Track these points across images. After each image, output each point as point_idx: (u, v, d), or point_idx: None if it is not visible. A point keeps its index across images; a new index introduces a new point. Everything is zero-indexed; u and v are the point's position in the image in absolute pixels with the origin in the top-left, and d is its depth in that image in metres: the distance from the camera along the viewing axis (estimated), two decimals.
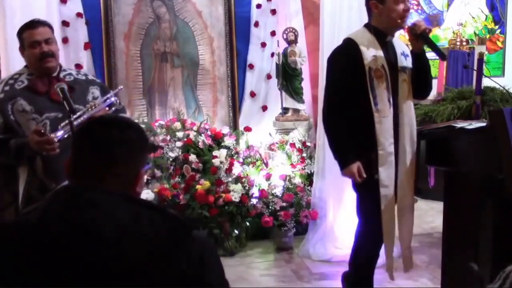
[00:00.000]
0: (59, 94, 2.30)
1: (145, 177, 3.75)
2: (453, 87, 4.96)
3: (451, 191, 2.67)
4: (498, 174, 2.34)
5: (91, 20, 4.17)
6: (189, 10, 4.42)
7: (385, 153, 2.58)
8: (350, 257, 2.82)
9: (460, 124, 2.58)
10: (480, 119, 3.57)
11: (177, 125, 4.21)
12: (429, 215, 4.59)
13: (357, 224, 2.76)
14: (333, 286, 3.16)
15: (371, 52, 2.57)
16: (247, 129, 4.37)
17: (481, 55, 4.20)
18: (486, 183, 2.48)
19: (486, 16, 6.01)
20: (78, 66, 4.00)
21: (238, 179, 3.94)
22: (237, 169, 4.00)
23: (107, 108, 2.49)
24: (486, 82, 4.25)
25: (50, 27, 2.51)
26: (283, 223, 3.83)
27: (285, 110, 4.46)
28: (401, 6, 2.53)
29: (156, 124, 4.23)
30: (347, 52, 2.62)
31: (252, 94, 4.57)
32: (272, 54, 4.54)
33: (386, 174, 2.59)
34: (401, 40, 2.79)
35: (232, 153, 4.11)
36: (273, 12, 4.57)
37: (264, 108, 4.60)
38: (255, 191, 3.96)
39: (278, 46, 4.48)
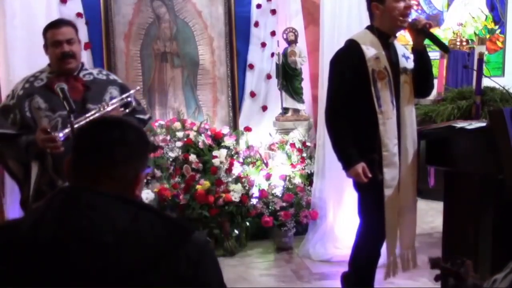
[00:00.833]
0: (59, 94, 2.31)
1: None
2: (453, 87, 4.96)
3: (451, 191, 2.67)
4: (498, 174, 2.35)
5: (91, 20, 4.16)
6: (189, 10, 4.42)
7: (389, 154, 2.58)
8: (350, 257, 2.82)
9: (460, 124, 2.59)
10: (480, 119, 3.57)
11: (177, 125, 4.21)
12: (429, 215, 4.59)
13: (358, 224, 2.76)
14: (333, 286, 3.16)
15: (374, 54, 2.56)
16: (247, 129, 4.37)
17: (481, 55, 4.19)
18: (486, 183, 2.48)
19: (486, 16, 6.00)
20: None
21: (238, 179, 3.94)
22: (237, 169, 4.01)
23: (121, 109, 2.50)
24: (486, 82, 4.25)
25: (74, 27, 2.54)
26: (283, 223, 3.83)
27: (285, 110, 4.46)
28: (401, 4, 2.53)
29: (156, 124, 4.23)
30: (349, 53, 2.61)
31: (252, 94, 4.57)
32: (272, 54, 4.54)
33: (390, 174, 2.60)
34: (399, 43, 2.78)
35: (232, 153, 4.11)
36: (273, 12, 4.57)
37: (264, 108, 4.60)
38: (255, 191, 3.96)
39: (278, 46, 4.47)
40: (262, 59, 4.58)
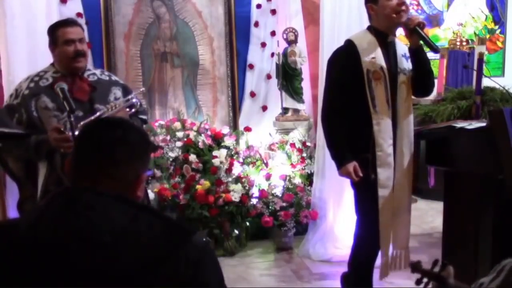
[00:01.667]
0: (59, 94, 2.31)
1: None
2: (453, 87, 4.95)
3: (451, 191, 2.68)
4: (498, 174, 2.35)
5: (91, 20, 4.16)
6: (189, 10, 4.42)
7: (383, 155, 2.59)
8: (349, 257, 2.82)
9: (460, 124, 2.59)
10: (480, 119, 3.57)
11: (177, 125, 4.21)
12: (429, 215, 4.58)
13: (356, 224, 2.77)
14: (333, 286, 3.16)
15: (370, 54, 2.57)
16: (247, 129, 4.37)
17: (481, 55, 4.19)
18: (486, 183, 2.49)
19: (486, 16, 6.00)
20: None
21: (238, 179, 3.94)
22: (237, 169, 4.01)
23: (127, 109, 2.51)
24: (486, 82, 4.24)
25: (82, 27, 2.56)
26: (283, 223, 3.83)
27: (285, 110, 4.46)
28: (393, 1, 2.53)
29: (156, 124, 4.23)
30: (346, 53, 2.63)
31: (252, 94, 4.57)
32: (272, 54, 4.54)
33: (385, 175, 2.60)
34: (401, 42, 2.78)
35: (232, 153, 4.11)
36: (273, 12, 4.57)
37: (264, 108, 4.60)
38: (255, 191, 3.96)
39: (278, 46, 4.47)
40: (262, 59, 4.58)
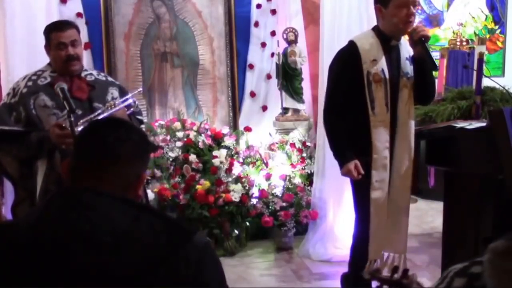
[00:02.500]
0: (59, 94, 2.32)
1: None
2: (453, 87, 4.95)
3: (451, 191, 2.68)
4: (498, 174, 2.35)
5: (91, 20, 4.16)
6: (189, 10, 4.42)
7: (379, 157, 2.60)
8: (349, 257, 2.82)
9: (460, 124, 2.59)
10: (480, 119, 3.57)
11: (177, 125, 4.21)
12: (429, 215, 4.58)
13: (354, 224, 2.77)
14: (333, 286, 3.16)
15: (371, 56, 2.57)
16: (247, 129, 4.37)
17: (481, 55, 4.19)
18: (486, 183, 2.48)
19: (486, 16, 6.00)
20: None
21: (238, 179, 3.94)
22: (237, 169, 4.00)
23: (125, 109, 2.52)
24: (486, 82, 4.24)
25: (77, 28, 2.55)
26: (283, 223, 3.83)
27: (285, 110, 4.46)
28: (403, 11, 2.50)
29: (156, 124, 4.23)
30: (347, 55, 2.63)
31: (252, 94, 4.56)
32: (272, 54, 4.54)
33: (379, 178, 2.61)
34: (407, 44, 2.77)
35: (232, 153, 4.11)
36: (273, 12, 4.57)
37: (264, 108, 4.60)
38: (255, 191, 3.96)
39: (278, 46, 4.47)
40: (262, 59, 4.58)
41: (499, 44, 6.06)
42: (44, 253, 1.06)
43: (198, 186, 3.77)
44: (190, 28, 4.43)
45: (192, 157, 3.94)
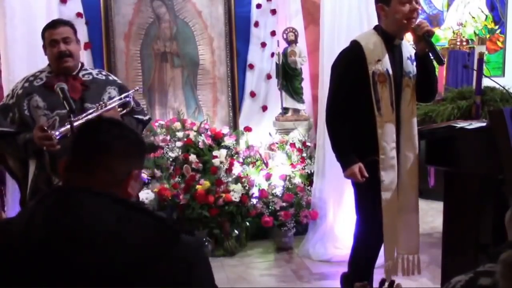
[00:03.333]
0: (59, 93, 2.32)
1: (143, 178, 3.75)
2: (453, 87, 4.95)
3: (451, 191, 2.67)
4: (498, 174, 2.34)
5: (91, 20, 4.17)
6: (189, 10, 4.42)
7: (386, 158, 2.59)
8: (349, 257, 2.82)
9: (460, 124, 2.59)
10: (480, 119, 3.57)
11: (177, 125, 4.21)
12: (429, 215, 4.58)
13: (355, 224, 2.77)
14: (333, 286, 3.16)
15: (376, 56, 2.56)
16: (247, 129, 4.37)
17: (481, 55, 4.19)
18: (486, 183, 2.48)
19: (486, 16, 6.00)
20: None
21: (238, 179, 3.94)
22: (237, 169, 4.00)
23: (120, 109, 2.52)
24: (486, 82, 4.24)
25: (72, 26, 2.57)
26: (283, 223, 3.83)
27: (285, 110, 4.46)
28: (406, 7, 2.49)
29: (156, 124, 4.23)
30: (352, 55, 2.61)
31: (252, 94, 4.56)
32: (272, 54, 4.54)
33: (389, 178, 2.60)
34: (408, 44, 2.76)
35: (232, 153, 4.11)
36: (273, 12, 4.57)
37: (264, 108, 4.60)
38: (255, 191, 3.96)
39: (278, 46, 4.47)
40: (262, 59, 4.58)
41: (499, 44, 6.06)
42: (35, 253, 1.06)
43: (198, 186, 3.77)
44: (190, 28, 4.43)
45: (192, 157, 3.94)
